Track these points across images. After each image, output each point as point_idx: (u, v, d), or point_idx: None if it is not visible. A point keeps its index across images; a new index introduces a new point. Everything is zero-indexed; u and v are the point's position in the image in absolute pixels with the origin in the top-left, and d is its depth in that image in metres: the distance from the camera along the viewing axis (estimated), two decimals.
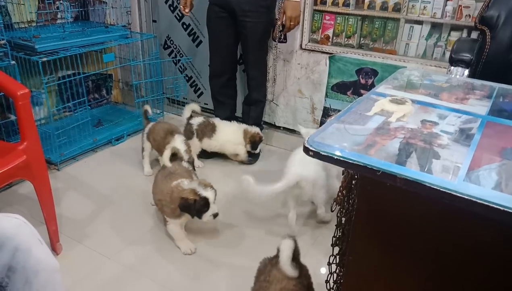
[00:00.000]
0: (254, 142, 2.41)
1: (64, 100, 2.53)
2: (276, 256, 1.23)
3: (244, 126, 2.45)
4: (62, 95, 2.61)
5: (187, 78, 3.04)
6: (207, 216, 1.65)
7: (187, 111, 2.42)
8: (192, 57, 2.92)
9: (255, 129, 2.44)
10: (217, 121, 2.45)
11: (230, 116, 2.57)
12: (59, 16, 2.74)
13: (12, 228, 0.74)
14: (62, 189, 2.13)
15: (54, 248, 1.67)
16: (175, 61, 3.03)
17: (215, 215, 1.66)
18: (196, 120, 2.40)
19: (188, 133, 2.37)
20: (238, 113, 2.68)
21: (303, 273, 1.23)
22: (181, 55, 2.99)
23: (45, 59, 2.15)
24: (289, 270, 1.18)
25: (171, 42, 3.00)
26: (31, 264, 0.73)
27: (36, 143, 1.55)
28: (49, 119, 2.33)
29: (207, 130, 2.39)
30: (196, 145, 2.39)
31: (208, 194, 1.63)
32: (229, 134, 2.41)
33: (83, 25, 2.75)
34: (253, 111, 2.55)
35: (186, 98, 3.07)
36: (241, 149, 2.44)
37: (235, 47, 2.45)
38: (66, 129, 2.38)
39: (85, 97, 2.49)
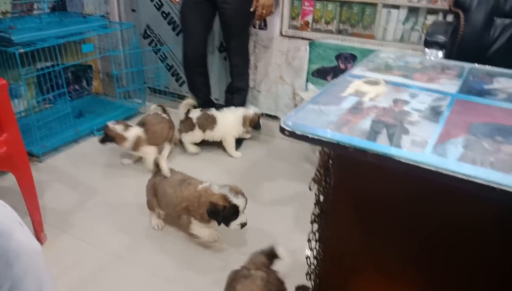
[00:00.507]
0: (255, 123, 2.47)
1: (43, 92, 2.50)
2: (241, 268, 1.24)
3: (240, 111, 2.46)
4: (41, 87, 2.57)
5: (168, 67, 3.03)
6: (234, 224, 1.57)
7: (183, 107, 2.41)
8: (173, 46, 2.91)
9: (250, 111, 2.46)
10: (215, 112, 2.46)
11: (206, 102, 2.59)
12: (35, 6, 2.68)
13: None
14: (45, 181, 2.12)
15: (39, 238, 1.68)
16: (155, 50, 3.01)
17: (243, 225, 1.58)
18: (195, 114, 2.41)
19: (190, 126, 2.38)
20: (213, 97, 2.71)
21: (270, 278, 1.21)
22: (161, 44, 2.98)
23: (22, 50, 2.12)
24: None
25: (151, 31, 2.98)
26: (12, 246, 0.75)
27: (16, 135, 1.54)
28: (29, 112, 2.30)
29: (208, 122, 2.40)
30: (198, 136, 2.41)
31: (239, 201, 1.55)
32: (230, 123, 2.42)
33: (61, 15, 2.70)
34: (236, 99, 2.57)
35: (167, 88, 3.07)
36: (243, 134, 2.49)
37: (208, 34, 2.45)
38: (47, 121, 2.36)
39: (65, 88, 2.46)
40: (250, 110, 2.48)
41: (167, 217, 1.80)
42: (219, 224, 1.57)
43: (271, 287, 1.15)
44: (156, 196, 1.75)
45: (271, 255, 1.30)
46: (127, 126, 2.18)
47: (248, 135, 2.56)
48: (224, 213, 1.54)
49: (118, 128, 2.15)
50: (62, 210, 1.92)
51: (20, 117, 2.41)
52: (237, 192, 1.58)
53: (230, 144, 2.44)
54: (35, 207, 1.65)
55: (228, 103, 2.60)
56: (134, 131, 2.17)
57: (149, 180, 1.81)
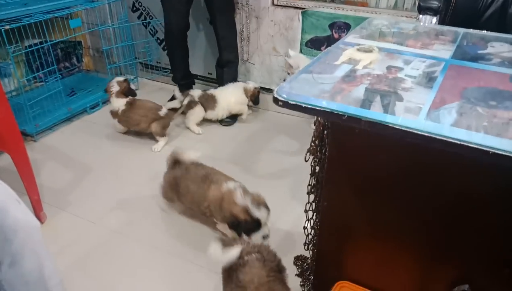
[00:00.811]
0: (255, 97, 2.49)
1: (33, 70, 2.45)
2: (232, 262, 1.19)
3: (240, 84, 2.49)
4: (31, 65, 2.53)
5: (158, 41, 2.98)
6: (256, 236, 1.51)
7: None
8: (163, 19, 2.84)
9: (250, 85, 2.49)
10: (214, 91, 2.46)
11: (185, 75, 2.59)
12: None
13: None
14: (40, 160, 2.11)
15: (39, 217, 1.68)
16: (145, 24, 2.95)
17: (265, 237, 1.52)
18: (196, 93, 2.42)
19: (191, 104, 2.38)
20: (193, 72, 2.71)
21: (264, 256, 1.18)
22: (150, 17, 2.91)
23: (8, 27, 2.07)
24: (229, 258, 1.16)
25: (139, 4, 2.90)
26: (9, 223, 0.75)
27: (8, 114, 1.52)
28: (20, 91, 2.27)
29: (209, 102, 2.41)
30: (199, 114, 2.41)
31: (261, 214, 1.49)
32: (232, 98, 2.44)
33: None
34: (227, 73, 2.54)
35: (159, 62, 3.02)
36: (244, 107, 2.51)
37: (190, 5, 2.39)
38: (39, 100, 2.33)
39: (55, 66, 2.42)
40: (250, 84, 2.49)
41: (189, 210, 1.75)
42: (240, 236, 1.51)
43: (269, 264, 1.16)
44: (176, 190, 1.67)
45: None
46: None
47: (246, 111, 2.54)
48: (245, 226, 1.49)
49: None
50: (59, 188, 1.92)
51: (11, 97, 2.38)
52: (259, 203, 1.51)
53: (243, 110, 2.51)
54: (33, 186, 1.65)
55: (219, 77, 2.58)
56: None
57: (167, 172, 1.73)
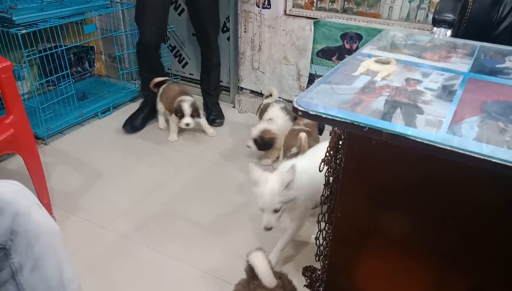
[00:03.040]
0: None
1: (47, 74, 2.47)
2: (251, 278, 1.14)
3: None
4: (44, 69, 2.55)
5: (170, 48, 3.00)
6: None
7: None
8: (175, 26, 2.87)
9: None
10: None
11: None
12: None
13: (11, 193, 0.75)
14: (51, 163, 2.12)
15: None
16: None
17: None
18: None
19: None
20: None
21: (285, 283, 1.15)
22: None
23: (24, 31, 2.09)
24: (272, 280, 1.10)
25: None
26: (32, 227, 0.76)
27: (22, 117, 1.53)
28: (33, 94, 2.29)
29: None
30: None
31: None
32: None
33: None
34: (214, 76, 2.60)
35: (170, 69, 3.04)
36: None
37: (167, 16, 2.38)
38: (51, 103, 2.35)
39: (68, 70, 2.44)
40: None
41: None
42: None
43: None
44: None
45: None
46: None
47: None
48: None
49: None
50: (69, 192, 1.93)
51: (24, 100, 2.40)
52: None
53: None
54: (44, 189, 1.66)
55: (205, 83, 2.61)
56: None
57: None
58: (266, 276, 1.10)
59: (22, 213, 0.74)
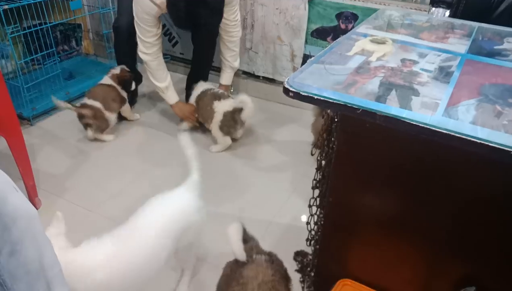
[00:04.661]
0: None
1: (32, 52, 2.39)
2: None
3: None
4: (29, 47, 2.47)
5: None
6: None
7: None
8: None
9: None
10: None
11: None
12: None
13: None
14: (37, 144, 2.07)
15: (33, 203, 1.65)
16: None
17: None
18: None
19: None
20: None
21: (273, 260, 1.14)
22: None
23: (6, 6, 2.01)
24: (241, 253, 1.10)
25: None
26: (8, 211, 0.72)
27: (4, 96, 1.47)
28: (18, 73, 2.21)
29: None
30: None
31: None
32: None
33: None
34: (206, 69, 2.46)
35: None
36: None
37: None
38: (36, 83, 2.28)
39: (54, 48, 2.36)
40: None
41: None
42: None
43: (276, 267, 1.12)
44: None
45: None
46: None
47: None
48: None
49: None
50: (56, 174, 1.88)
51: (8, 79, 2.32)
52: None
53: None
54: (28, 171, 1.61)
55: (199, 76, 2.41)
56: None
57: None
58: (236, 247, 1.10)
59: None
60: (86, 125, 2.09)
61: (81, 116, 2.08)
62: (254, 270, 1.08)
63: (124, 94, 2.24)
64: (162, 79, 2.12)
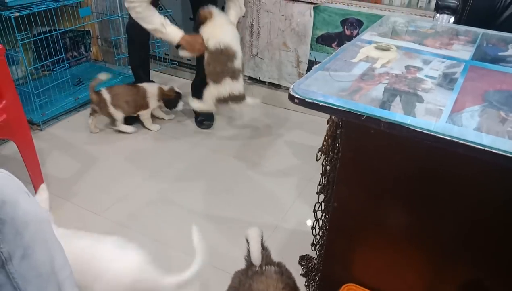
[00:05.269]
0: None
1: (41, 58, 2.43)
2: (248, 267, 1.14)
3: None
4: (39, 53, 2.51)
5: None
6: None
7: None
8: (172, 10, 2.82)
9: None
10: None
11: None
12: None
13: None
14: (46, 149, 2.10)
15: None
16: None
17: None
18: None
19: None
20: None
21: (283, 271, 1.14)
22: (160, 8, 2.87)
23: (17, 14, 2.04)
24: (258, 257, 1.11)
25: None
26: (20, 215, 0.74)
27: (15, 102, 1.51)
28: (28, 79, 2.25)
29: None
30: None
31: None
32: None
33: None
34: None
35: (167, 54, 2.99)
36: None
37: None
38: (46, 88, 2.31)
39: (63, 55, 2.40)
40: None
41: None
42: None
43: (286, 280, 1.12)
44: None
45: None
46: None
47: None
48: None
49: None
50: (64, 178, 1.91)
51: (18, 85, 2.36)
52: None
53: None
54: (38, 175, 1.64)
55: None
56: None
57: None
58: (255, 251, 1.12)
59: (9, 201, 0.72)
60: (92, 112, 2.24)
61: (91, 101, 2.22)
62: (264, 283, 1.08)
63: (152, 103, 2.29)
64: (155, 18, 1.96)
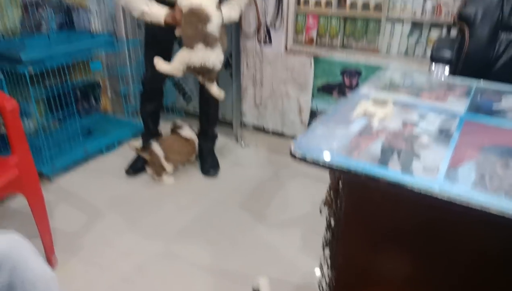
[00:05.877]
0: None
1: (52, 110, 2.51)
2: None
3: None
4: (50, 105, 2.60)
5: (175, 84, 3.05)
6: None
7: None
8: None
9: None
10: None
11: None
12: (43, 24, 2.71)
13: (8, 246, 0.76)
14: (54, 201, 2.13)
15: (50, 261, 1.68)
16: None
17: None
18: None
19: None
20: None
21: None
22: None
23: (32, 72, 2.13)
24: None
25: None
26: (29, 277, 0.76)
27: (27, 157, 1.55)
28: (39, 131, 2.32)
29: None
30: None
31: None
32: None
33: (69, 33, 2.74)
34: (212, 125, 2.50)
35: (175, 104, 3.09)
36: None
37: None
38: (56, 140, 2.37)
39: (74, 106, 2.48)
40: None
41: None
42: None
43: None
44: None
45: None
46: None
47: None
48: None
49: None
50: (71, 231, 1.92)
51: (29, 136, 2.43)
52: None
53: None
54: (46, 230, 1.65)
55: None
56: None
57: None
58: None
59: (19, 266, 0.74)
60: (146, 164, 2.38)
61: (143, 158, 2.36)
62: None
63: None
64: (139, 2, 1.91)
